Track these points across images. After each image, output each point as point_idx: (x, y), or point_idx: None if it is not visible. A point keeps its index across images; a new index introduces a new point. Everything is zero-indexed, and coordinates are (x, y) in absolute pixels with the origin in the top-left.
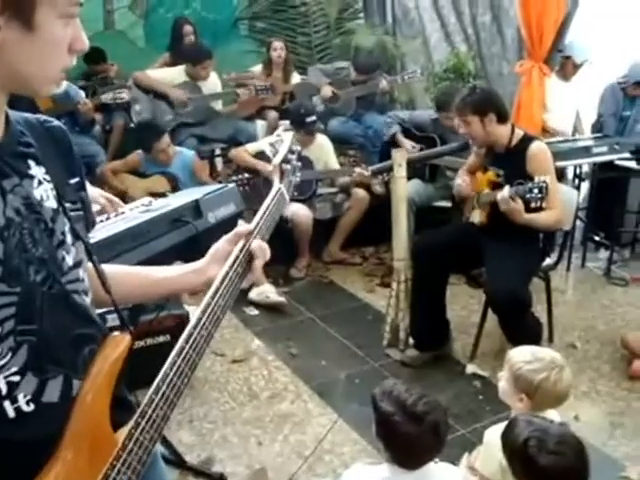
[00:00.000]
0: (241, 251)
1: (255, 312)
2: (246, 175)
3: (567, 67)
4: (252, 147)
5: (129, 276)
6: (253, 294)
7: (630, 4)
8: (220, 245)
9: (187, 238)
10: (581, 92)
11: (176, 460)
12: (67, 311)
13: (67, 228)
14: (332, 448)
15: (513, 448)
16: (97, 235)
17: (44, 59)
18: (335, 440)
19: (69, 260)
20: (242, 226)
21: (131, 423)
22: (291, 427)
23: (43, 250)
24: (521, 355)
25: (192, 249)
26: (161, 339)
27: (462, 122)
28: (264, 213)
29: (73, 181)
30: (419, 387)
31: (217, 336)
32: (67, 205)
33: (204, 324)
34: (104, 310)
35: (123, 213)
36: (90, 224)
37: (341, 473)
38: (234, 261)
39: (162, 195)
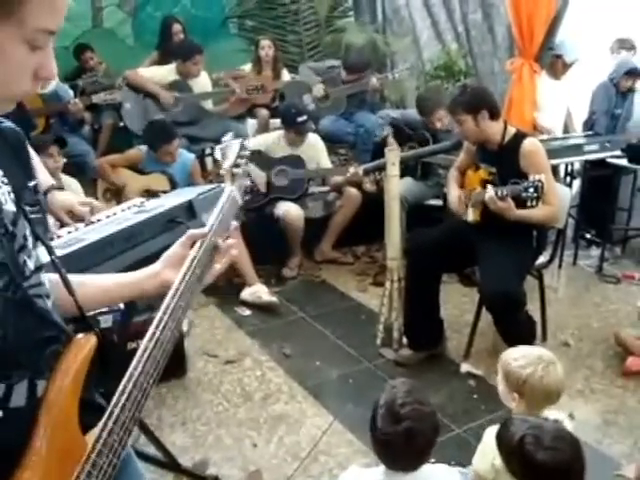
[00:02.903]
0: (198, 251)
1: (247, 312)
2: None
3: (557, 65)
4: None
5: (86, 285)
6: (245, 294)
7: (620, 3)
8: (174, 249)
9: None
10: (571, 90)
11: (170, 463)
12: (31, 316)
13: (28, 231)
14: (327, 449)
15: (509, 446)
16: (90, 237)
17: (1, 79)
18: (330, 441)
19: (30, 264)
20: (196, 230)
21: (100, 425)
22: (286, 428)
23: (3, 255)
24: (511, 354)
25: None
26: None
27: (456, 122)
28: (218, 215)
29: (31, 184)
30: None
31: (209, 336)
32: (27, 208)
33: (166, 324)
34: (96, 312)
35: (115, 214)
36: (47, 227)
37: (337, 474)
38: (191, 262)
39: (155, 195)
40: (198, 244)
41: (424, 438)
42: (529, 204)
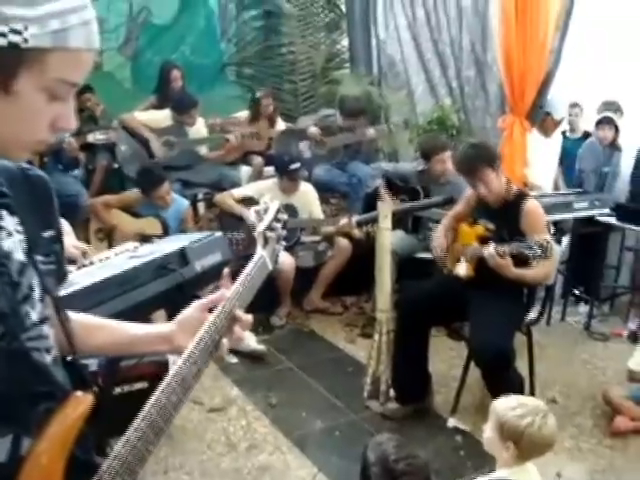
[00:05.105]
0: (218, 317)
1: (234, 360)
2: (241, 234)
3: (547, 123)
4: (238, 192)
5: (104, 330)
6: None
7: (611, 66)
8: (190, 312)
9: (173, 286)
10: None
11: None
12: (25, 368)
13: (36, 282)
14: None
15: None
16: (83, 281)
17: (17, 125)
18: None
19: (34, 316)
20: (218, 293)
21: None
22: None
23: (4, 304)
24: (506, 403)
25: (178, 297)
26: (139, 386)
27: (479, 182)
28: (245, 280)
29: (48, 234)
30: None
31: None
32: (39, 258)
33: (174, 389)
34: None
35: (108, 259)
36: (62, 277)
37: None
38: (210, 328)
39: (149, 240)
40: (220, 308)
41: None
42: (533, 263)
